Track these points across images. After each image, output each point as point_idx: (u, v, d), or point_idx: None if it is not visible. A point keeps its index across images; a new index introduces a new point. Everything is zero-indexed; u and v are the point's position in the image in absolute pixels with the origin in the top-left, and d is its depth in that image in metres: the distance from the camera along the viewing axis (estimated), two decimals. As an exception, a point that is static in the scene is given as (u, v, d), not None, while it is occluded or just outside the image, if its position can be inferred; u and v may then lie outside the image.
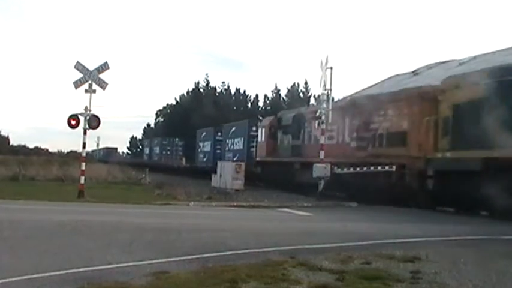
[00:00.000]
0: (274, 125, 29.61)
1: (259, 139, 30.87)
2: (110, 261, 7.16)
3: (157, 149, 62.48)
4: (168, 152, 59.07)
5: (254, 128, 33.68)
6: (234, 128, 37.99)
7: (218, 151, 40.45)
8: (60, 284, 6.00)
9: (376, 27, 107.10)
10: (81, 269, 6.63)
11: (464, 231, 11.79)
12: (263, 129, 30.53)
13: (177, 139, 59.51)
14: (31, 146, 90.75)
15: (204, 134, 45.87)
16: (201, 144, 46.19)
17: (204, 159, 43.84)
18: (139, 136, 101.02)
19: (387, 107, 20.08)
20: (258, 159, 30.60)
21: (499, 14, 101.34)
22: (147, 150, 70.70)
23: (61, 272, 6.47)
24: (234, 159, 34.19)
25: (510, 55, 22.85)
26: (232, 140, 37.13)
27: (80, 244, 8.65)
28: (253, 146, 32.81)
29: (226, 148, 37.92)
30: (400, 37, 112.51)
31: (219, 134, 41.04)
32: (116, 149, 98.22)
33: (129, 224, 11.49)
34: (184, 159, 51.50)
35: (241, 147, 35.01)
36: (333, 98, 22.84)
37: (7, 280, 6.02)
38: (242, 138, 35.06)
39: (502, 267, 7.39)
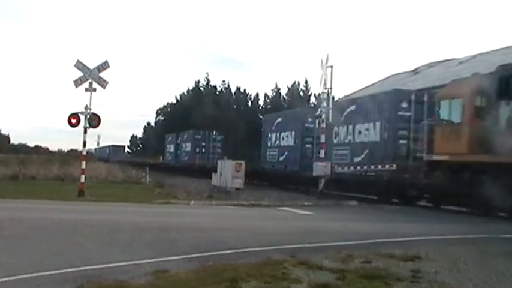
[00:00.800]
0: (488, 90, 15.47)
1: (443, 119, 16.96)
2: (109, 260, 7.15)
3: (187, 146, 48.98)
4: (203, 150, 45.77)
5: (405, 105, 19.77)
6: (352, 107, 23.42)
7: (309, 145, 27.20)
8: (60, 282, 6.00)
9: (377, 26, 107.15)
10: (81, 268, 6.62)
11: (464, 230, 11.79)
12: (453, 102, 16.55)
13: (214, 132, 46.43)
14: (31, 144, 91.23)
15: (279, 120, 30.62)
16: (272, 135, 31.23)
17: (281, 159, 29.29)
18: (139, 135, 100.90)
19: None
20: (436, 158, 16.83)
21: (498, 14, 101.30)
22: (170, 148, 55.23)
23: (61, 271, 6.46)
24: (359, 158, 22.21)
25: (509, 54, 22.89)
26: (350, 127, 23.10)
27: (80, 243, 8.64)
28: (404, 136, 19.74)
29: (335, 140, 23.89)
30: (400, 37, 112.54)
31: (310, 120, 27.36)
32: (124, 147, 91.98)
33: (129, 223, 11.49)
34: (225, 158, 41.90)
35: (375, 137, 21.20)
36: (333, 97, 22.86)
37: (7, 279, 6.02)
38: (379, 123, 20.91)
39: (502, 266, 7.38)
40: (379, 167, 20.04)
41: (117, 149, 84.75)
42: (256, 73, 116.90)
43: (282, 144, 29.71)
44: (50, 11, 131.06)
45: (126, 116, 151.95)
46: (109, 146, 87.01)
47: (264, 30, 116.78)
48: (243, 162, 24.20)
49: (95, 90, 18.76)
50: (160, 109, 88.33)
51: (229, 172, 23.81)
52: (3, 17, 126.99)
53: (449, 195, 16.63)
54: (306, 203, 18.90)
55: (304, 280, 6.17)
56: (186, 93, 76.39)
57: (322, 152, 21.84)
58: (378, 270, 6.76)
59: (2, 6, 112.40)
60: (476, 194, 14.82)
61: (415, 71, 32.03)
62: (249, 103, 71.21)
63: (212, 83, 73.35)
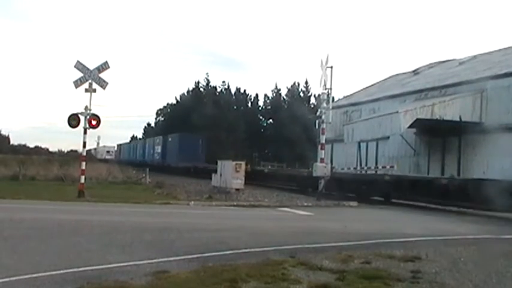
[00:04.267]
0: None
1: None
2: (109, 261, 7.15)
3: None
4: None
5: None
6: None
7: None
8: (60, 283, 5.99)
9: (377, 27, 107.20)
10: (81, 269, 6.62)
11: (464, 231, 11.81)
12: None
13: None
14: (31, 145, 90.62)
15: None
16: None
17: None
18: (139, 135, 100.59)
19: None
20: None
21: (499, 14, 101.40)
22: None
23: (61, 272, 6.46)
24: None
25: (510, 55, 22.88)
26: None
27: (80, 244, 8.64)
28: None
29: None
30: (400, 37, 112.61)
31: None
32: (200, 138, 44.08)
33: (129, 223, 11.49)
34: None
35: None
36: (333, 98, 22.87)
37: (7, 279, 6.02)
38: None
39: (502, 266, 7.39)
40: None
41: (188, 139, 42.09)
42: (256, 74, 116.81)
43: None
44: (50, 11, 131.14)
45: (126, 116, 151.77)
46: (169, 136, 45.19)
47: (264, 31, 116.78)
48: (243, 163, 24.18)
49: (94, 90, 18.73)
50: (160, 110, 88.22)
51: (229, 173, 23.79)
52: (3, 17, 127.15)
53: None
54: (305, 204, 18.89)
55: (304, 281, 6.17)
56: (186, 93, 76.28)
57: (322, 152, 21.84)
58: (378, 271, 6.76)
59: (3, 6, 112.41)
60: None
61: (415, 72, 31.97)
62: (249, 104, 71.15)
63: (212, 84, 73.24)
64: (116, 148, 75.43)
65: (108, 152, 76.04)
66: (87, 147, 23.81)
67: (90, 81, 18.69)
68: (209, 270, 6.60)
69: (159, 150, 47.52)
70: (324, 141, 22.06)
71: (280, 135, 56.06)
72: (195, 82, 74.12)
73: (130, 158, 59.82)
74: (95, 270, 6.63)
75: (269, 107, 68.09)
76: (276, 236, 10.11)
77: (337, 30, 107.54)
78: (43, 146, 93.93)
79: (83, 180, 18.93)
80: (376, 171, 23.91)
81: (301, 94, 66.92)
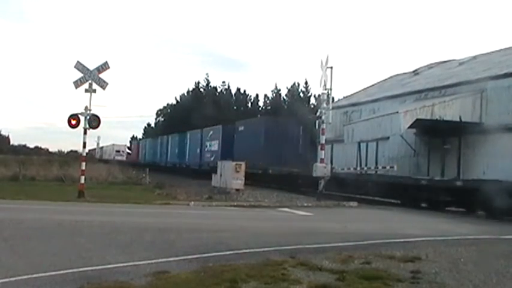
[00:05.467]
0: None
1: None
2: (109, 261, 7.16)
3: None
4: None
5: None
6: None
7: None
8: (60, 283, 6.00)
9: (377, 27, 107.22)
10: (81, 269, 6.62)
11: (464, 231, 11.81)
12: None
13: None
14: (31, 145, 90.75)
15: None
16: None
17: None
18: (139, 136, 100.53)
19: None
20: None
21: (499, 15, 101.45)
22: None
23: (61, 272, 6.46)
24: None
25: (510, 55, 22.88)
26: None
27: (80, 244, 8.65)
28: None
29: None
30: (400, 37, 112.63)
31: None
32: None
33: (129, 224, 11.49)
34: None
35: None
36: (333, 98, 22.86)
37: (7, 280, 6.02)
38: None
39: (502, 267, 7.39)
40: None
41: (279, 127, 28.23)
42: (256, 74, 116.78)
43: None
44: (51, 11, 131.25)
45: (126, 117, 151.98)
46: (239, 123, 33.06)
47: (263, 31, 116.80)
48: (243, 163, 24.17)
49: (94, 91, 18.73)
50: (160, 110, 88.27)
51: (229, 173, 23.77)
52: (3, 17, 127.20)
53: None
54: (305, 204, 18.89)
55: (304, 281, 6.17)
56: (186, 94, 76.31)
57: (322, 153, 21.83)
58: (378, 271, 6.76)
59: (2, 7, 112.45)
60: None
61: (415, 72, 31.95)
62: (249, 104, 71.16)
63: (212, 84, 73.27)
64: (140, 141, 61.86)
65: (118, 151, 64.06)
66: (88, 147, 23.71)
67: (90, 81, 18.69)
68: (209, 271, 6.61)
69: (216, 148, 32.55)
70: (324, 142, 22.06)
71: (280, 136, 56.00)
72: (195, 82, 74.17)
73: (156, 159, 46.70)
74: (95, 270, 6.63)
75: (269, 108, 68.08)
76: (276, 237, 10.11)
77: (337, 30, 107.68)
78: (43, 147, 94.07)
79: (83, 181, 18.92)
80: (376, 172, 23.90)
81: (301, 94, 66.87)
